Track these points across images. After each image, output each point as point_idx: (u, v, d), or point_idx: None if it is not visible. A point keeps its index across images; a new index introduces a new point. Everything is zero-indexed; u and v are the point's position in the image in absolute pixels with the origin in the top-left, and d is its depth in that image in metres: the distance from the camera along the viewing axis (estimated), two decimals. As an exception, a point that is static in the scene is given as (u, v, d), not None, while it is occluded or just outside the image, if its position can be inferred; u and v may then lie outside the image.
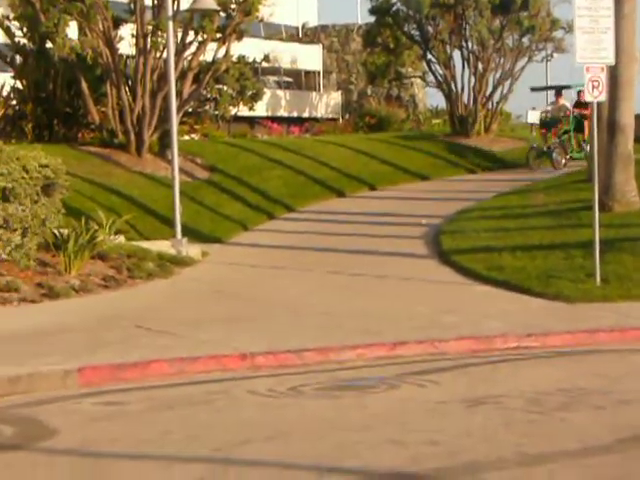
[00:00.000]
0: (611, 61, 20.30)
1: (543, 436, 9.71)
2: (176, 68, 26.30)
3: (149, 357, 14.19)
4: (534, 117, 51.74)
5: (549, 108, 44.33)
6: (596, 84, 19.99)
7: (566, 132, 41.03)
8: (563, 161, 39.46)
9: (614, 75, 25.58)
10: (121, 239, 22.69)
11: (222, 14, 31.70)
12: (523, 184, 35.50)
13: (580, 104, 40.82)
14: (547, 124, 41.92)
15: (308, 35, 55.38)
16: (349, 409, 11.41)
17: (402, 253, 24.26)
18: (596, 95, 20.16)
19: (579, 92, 40.53)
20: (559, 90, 45.41)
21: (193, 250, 23.82)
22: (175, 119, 25.39)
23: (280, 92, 49.01)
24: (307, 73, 53.25)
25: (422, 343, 15.62)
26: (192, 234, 24.88)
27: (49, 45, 32.06)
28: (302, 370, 14.02)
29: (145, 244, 23.18)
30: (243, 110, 38.74)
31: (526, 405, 11.17)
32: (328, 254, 24.53)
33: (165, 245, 23.38)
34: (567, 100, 45.78)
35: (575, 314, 18.05)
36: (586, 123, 39.31)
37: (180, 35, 29.26)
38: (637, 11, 25.22)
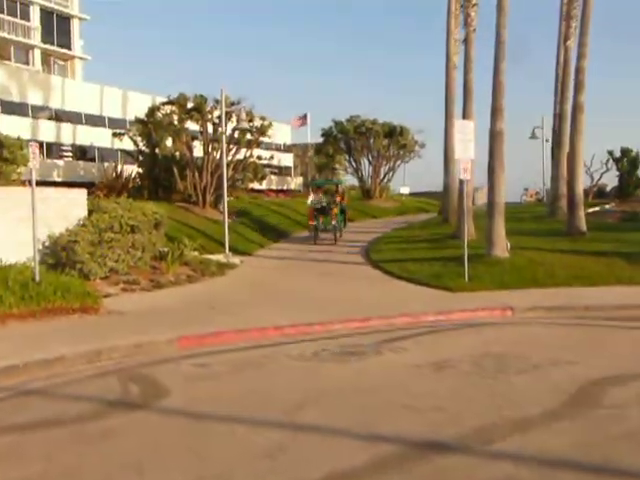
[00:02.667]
0: (473, 157, 17.46)
1: (507, 399, 6.74)
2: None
3: (220, 329, 11.16)
4: (405, 190, 49.96)
5: (313, 198, 27.31)
6: (466, 170, 17.21)
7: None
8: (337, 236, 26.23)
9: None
10: (196, 253, 19.78)
11: (248, 136, 29.34)
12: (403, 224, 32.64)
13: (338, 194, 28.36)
14: (321, 210, 26.04)
15: (286, 148, 53.01)
16: (359, 372, 8.34)
17: (351, 262, 21.26)
18: (466, 176, 17.37)
19: (337, 185, 30.38)
20: (320, 185, 31.24)
21: (235, 259, 20.94)
22: (225, 189, 22.59)
23: (273, 177, 46.35)
24: (286, 167, 51.36)
25: (380, 318, 12.71)
26: (234, 250, 22.03)
27: (156, 149, 29.47)
28: (314, 337, 11.06)
29: (209, 256, 20.25)
30: (255, 185, 36.11)
31: (474, 369, 8.24)
32: (309, 262, 21.57)
33: (220, 257, 20.56)
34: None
35: (459, 299, 15.14)
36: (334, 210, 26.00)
37: (226, 145, 26.27)
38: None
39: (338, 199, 27.27)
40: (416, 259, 20.16)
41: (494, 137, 18.97)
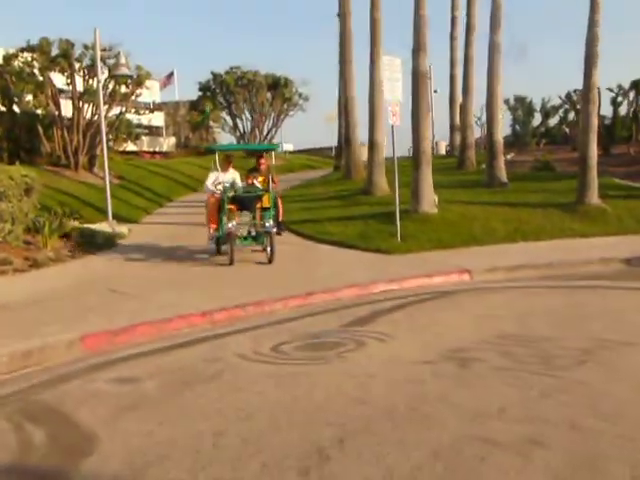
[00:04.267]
0: (401, 99, 15.31)
1: (616, 416, 4.65)
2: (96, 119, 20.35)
3: (134, 320, 8.43)
4: (289, 147, 47.12)
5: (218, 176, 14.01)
6: (395, 114, 15.07)
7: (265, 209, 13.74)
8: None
9: (374, 114, 20.92)
10: (76, 223, 16.79)
11: (123, 88, 26.05)
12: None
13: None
14: (239, 201, 13.55)
15: (156, 107, 49.27)
16: (359, 379, 5.93)
17: (257, 225, 18.65)
18: (395, 121, 15.19)
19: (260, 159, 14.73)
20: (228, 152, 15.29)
21: (122, 228, 18.06)
22: (106, 149, 19.24)
23: (144, 137, 42.98)
24: (157, 127, 47.53)
25: (324, 292, 10.40)
26: (118, 218, 19.08)
27: (15, 106, 25.74)
28: (255, 323, 8.64)
29: (91, 226, 17.26)
30: (128, 146, 32.93)
31: (508, 362, 6.18)
32: (200, 227, 18.86)
33: (104, 226, 17.63)
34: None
35: (400, 262, 13.05)
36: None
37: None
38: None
39: (261, 179, 14.39)
40: (331, 219, 17.99)
41: (417, 77, 16.94)
